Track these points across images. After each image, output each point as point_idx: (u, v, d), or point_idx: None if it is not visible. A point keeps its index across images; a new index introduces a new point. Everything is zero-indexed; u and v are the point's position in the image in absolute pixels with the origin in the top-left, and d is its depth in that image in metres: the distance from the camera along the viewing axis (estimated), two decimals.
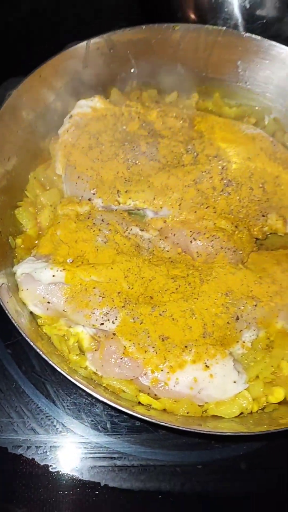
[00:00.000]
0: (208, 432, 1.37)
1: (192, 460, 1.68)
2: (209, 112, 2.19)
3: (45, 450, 1.67)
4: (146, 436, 1.70)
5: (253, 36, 2.00)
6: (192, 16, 2.33)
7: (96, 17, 2.03)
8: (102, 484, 1.62)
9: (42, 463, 1.65)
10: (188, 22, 2.23)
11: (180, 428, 1.33)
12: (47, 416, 1.72)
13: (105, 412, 1.73)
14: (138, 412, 1.36)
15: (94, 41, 1.91)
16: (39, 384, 1.77)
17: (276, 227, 1.92)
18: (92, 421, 1.72)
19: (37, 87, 1.91)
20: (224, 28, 1.97)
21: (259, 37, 2.01)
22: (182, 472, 1.66)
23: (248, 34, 1.99)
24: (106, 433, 1.71)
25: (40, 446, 1.68)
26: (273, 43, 2.00)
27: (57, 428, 1.71)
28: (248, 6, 2.37)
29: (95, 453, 1.68)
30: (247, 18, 2.36)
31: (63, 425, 1.71)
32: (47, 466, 1.65)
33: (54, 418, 1.72)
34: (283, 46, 1.98)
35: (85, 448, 1.69)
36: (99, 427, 1.71)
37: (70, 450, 1.68)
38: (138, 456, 1.68)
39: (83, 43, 1.90)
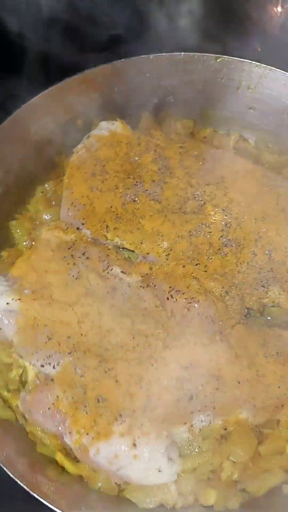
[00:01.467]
0: None
1: None
2: (247, 154, 1.97)
3: None
4: None
5: None
6: (259, 49, 2.10)
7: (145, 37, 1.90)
8: None
9: None
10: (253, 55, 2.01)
11: None
12: None
13: None
14: (30, 486, 1.24)
15: (123, 63, 1.80)
16: None
17: (278, 300, 1.68)
18: None
19: (63, 99, 1.85)
20: (269, 67, 1.74)
21: None
22: None
23: None
24: None
25: None
26: None
27: None
28: None
29: None
30: None
31: None
32: None
33: None
34: None
35: None
36: None
37: None
38: None
39: (118, 62, 1.79)
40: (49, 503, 1.21)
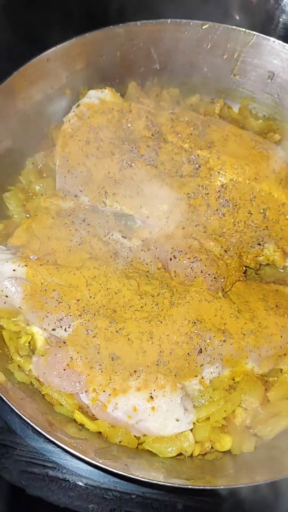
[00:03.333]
0: (132, 477, 1.25)
1: (127, 488, 1.58)
2: (232, 121, 2.03)
3: None
4: None
5: None
6: (237, 17, 2.14)
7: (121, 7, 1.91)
8: (27, 491, 1.56)
9: None
10: (229, 22, 2.06)
11: (95, 463, 1.23)
12: None
13: None
14: (57, 438, 1.27)
15: (112, 29, 1.80)
16: None
17: (273, 258, 1.76)
18: None
19: (47, 68, 1.83)
20: (256, 33, 1.79)
21: None
22: (113, 498, 1.57)
23: (282, 43, 1.80)
24: (46, 440, 1.63)
25: None
26: None
27: None
28: None
29: (29, 457, 1.62)
30: None
31: (5, 422, 1.66)
32: None
33: None
34: None
35: (21, 450, 1.63)
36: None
37: (6, 448, 1.63)
38: (73, 471, 1.60)
39: (100, 31, 1.79)
40: (78, 452, 1.24)
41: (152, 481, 1.24)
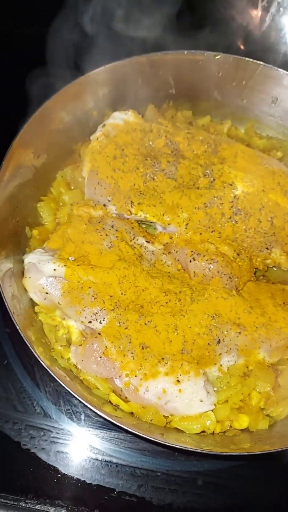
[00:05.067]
0: (169, 444, 1.45)
1: (153, 466, 1.76)
2: (239, 140, 2.26)
3: (20, 427, 1.80)
4: (115, 434, 1.80)
5: None
6: (242, 47, 2.40)
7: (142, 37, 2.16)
8: (62, 470, 1.73)
9: (15, 439, 1.78)
10: (237, 52, 2.32)
11: (134, 431, 1.42)
12: (29, 397, 1.85)
13: (82, 404, 1.83)
14: (104, 412, 1.46)
15: (136, 59, 2.04)
16: (28, 366, 1.90)
17: (279, 261, 1.97)
18: (69, 410, 1.83)
19: (78, 93, 2.06)
20: (262, 63, 2.03)
21: None
22: (141, 475, 1.75)
23: (285, 72, 2.05)
24: (79, 423, 1.82)
25: (16, 423, 1.81)
26: None
27: (35, 410, 1.83)
28: None
29: (64, 439, 1.79)
30: None
31: (42, 408, 1.84)
32: (18, 443, 1.78)
33: (35, 400, 1.85)
34: None
35: (56, 433, 1.80)
36: (73, 416, 1.83)
37: (43, 431, 1.80)
38: (103, 451, 1.78)
39: (126, 60, 2.02)
40: (120, 423, 1.43)
41: (184, 448, 1.44)
